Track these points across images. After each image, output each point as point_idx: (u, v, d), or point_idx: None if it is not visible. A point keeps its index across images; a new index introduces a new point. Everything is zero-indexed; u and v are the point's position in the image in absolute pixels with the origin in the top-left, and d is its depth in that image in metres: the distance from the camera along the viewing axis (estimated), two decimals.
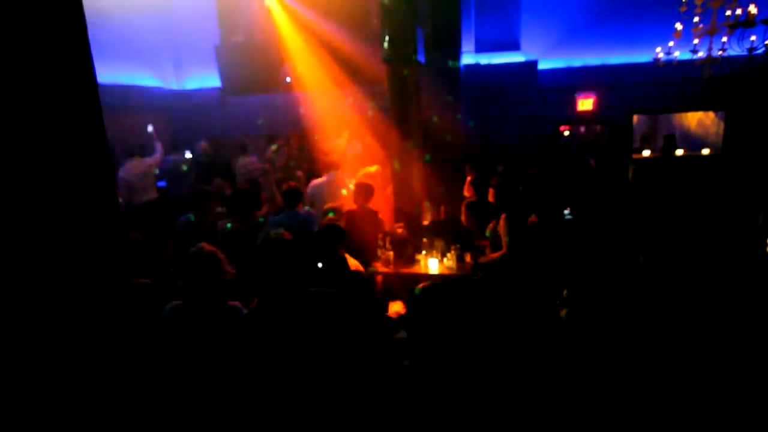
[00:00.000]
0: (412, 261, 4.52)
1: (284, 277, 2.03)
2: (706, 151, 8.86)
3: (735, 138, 8.21)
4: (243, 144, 7.40)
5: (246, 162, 6.96)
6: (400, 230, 4.62)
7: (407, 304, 1.75)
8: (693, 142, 9.49)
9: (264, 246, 2.05)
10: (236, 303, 2.44)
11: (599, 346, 2.23)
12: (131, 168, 6.50)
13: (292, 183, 4.30)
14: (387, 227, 4.70)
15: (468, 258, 4.44)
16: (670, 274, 4.12)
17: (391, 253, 4.43)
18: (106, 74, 8.23)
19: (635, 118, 9.13)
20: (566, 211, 4.89)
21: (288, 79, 9.33)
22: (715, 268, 4.16)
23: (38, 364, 1.05)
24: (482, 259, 4.42)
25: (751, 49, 4.52)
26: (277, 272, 2.02)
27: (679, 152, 8.61)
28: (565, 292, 2.52)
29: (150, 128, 6.92)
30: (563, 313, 2.64)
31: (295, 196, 4.25)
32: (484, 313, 3.41)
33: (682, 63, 6.25)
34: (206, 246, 2.43)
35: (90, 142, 1.15)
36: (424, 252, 4.52)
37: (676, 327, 3.04)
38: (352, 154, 6.75)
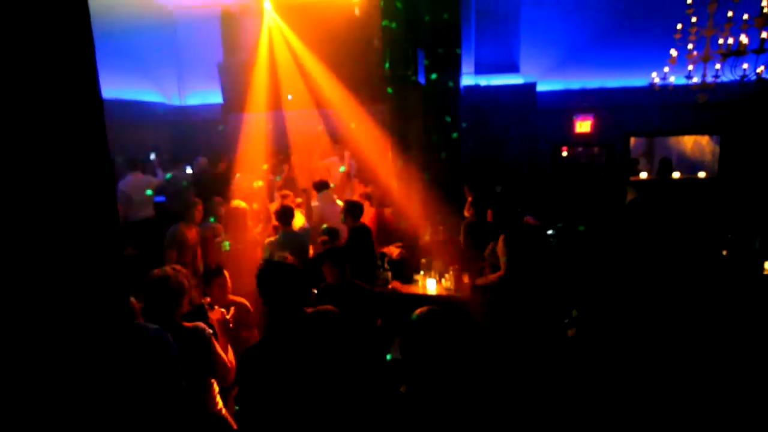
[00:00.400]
0: (410, 281, 4.53)
1: (286, 300, 2.10)
2: (702, 174, 8.94)
3: (730, 162, 8.30)
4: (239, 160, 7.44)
5: (242, 178, 6.98)
6: (398, 250, 4.64)
7: (404, 329, 1.74)
8: (689, 164, 9.58)
9: (266, 271, 2.13)
10: (198, 324, 2.46)
11: (609, 366, 2.22)
12: (132, 181, 6.55)
13: (285, 202, 4.33)
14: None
15: (466, 279, 4.44)
16: (668, 297, 4.12)
17: (389, 273, 4.44)
18: (111, 89, 8.32)
19: (632, 140, 9.24)
20: (550, 232, 4.91)
21: (289, 97, 9.43)
22: (713, 291, 4.18)
23: (31, 373, 1.05)
24: (480, 281, 4.43)
25: (743, 77, 4.62)
26: (279, 296, 2.09)
27: (676, 175, 8.69)
28: (574, 312, 2.52)
29: (152, 156, 7.00)
30: (571, 333, 2.63)
31: (288, 214, 4.26)
32: (484, 337, 3.40)
33: (677, 87, 6.35)
34: (169, 270, 2.45)
35: (92, 155, 1.17)
36: (422, 272, 4.53)
37: (678, 347, 3.05)
38: (347, 173, 6.78)
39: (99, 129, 1.18)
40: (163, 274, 2.40)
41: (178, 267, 2.53)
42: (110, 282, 1.21)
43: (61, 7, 1.10)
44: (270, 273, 2.14)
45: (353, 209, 4.54)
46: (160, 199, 7.39)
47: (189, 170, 7.92)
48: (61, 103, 1.10)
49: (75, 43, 1.16)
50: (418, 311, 1.73)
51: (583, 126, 8.99)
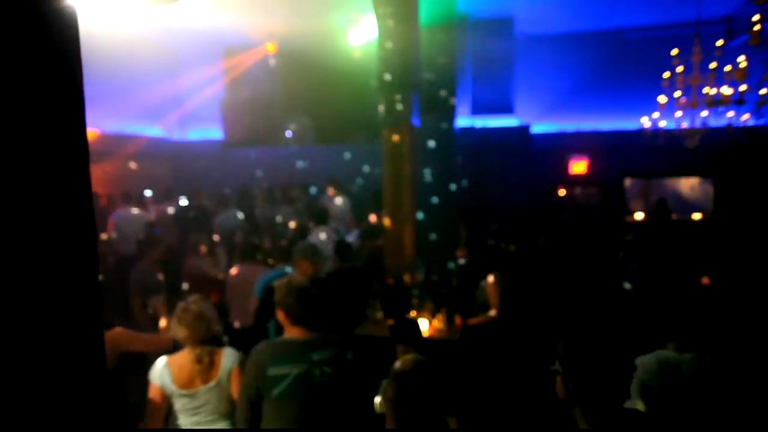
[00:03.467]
0: None
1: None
2: (697, 216, 9.00)
3: (724, 204, 8.37)
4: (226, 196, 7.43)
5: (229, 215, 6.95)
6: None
7: (389, 379, 1.69)
8: (685, 205, 9.66)
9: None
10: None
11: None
12: (125, 215, 6.60)
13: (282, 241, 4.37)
14: None
15: (458, 320, 4.39)
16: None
17: (381, 314, 4.40)
18: (113, 124, 8.48)
19: (627, 180, 9.36)
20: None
21: (288, 134, 9.60)
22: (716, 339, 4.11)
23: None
24: (472, 321, 4.38)
25: (729, 126, 4.72)
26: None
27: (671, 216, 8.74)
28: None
29: (148, 192, 7.13)
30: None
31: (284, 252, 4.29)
32: (474, 385, 3.32)
33: (669, 132, 6.48)
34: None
35: (74, 196, 1.17)
36: (413, 313, 4.48)
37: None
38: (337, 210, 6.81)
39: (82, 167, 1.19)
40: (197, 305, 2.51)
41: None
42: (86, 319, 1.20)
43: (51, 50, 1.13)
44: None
45: (343, 249, 4.57)
46: (158, 231, 7.41)
47: (184, 201, 7.97)
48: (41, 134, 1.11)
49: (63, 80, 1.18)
50: (401, 362, 1.69)
51: (579, 167, 9.11)
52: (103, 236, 6.24)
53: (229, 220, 6.71)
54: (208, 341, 2.43)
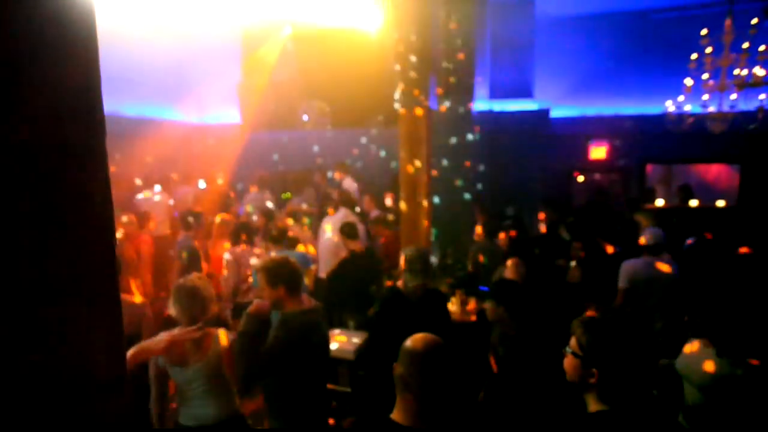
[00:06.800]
0: None
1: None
2: (721, 203, 8.74)
3: (751, 191, 8.13)
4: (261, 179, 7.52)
5: (256, 197, 7.05)
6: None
7: (401, 358, 1.68)
8: (709, 192, 9.39)
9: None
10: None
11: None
12: (148, 198, 6.71)
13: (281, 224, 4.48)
14: None
15: (472, 303, 4.38)
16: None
17: None
18: (132, 108, 8.57)
19: (649, 166, 9.14)
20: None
21: (305, 118, 9.59)
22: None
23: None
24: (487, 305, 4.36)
25: (760, 109, 4.54)
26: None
27: (694, 203, 8.50)
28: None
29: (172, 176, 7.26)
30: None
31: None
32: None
33: (695, 116, 6.28)
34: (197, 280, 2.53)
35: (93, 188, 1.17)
36: None
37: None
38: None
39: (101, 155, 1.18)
40: (192, 284, 2.49)
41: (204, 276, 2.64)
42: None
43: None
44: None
45: (348, 229, 4.57)
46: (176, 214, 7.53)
47: (203, 185, 8.07)
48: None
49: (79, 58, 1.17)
50: (412, 341, 1.66)
51: (599, 152, 8.92)
52: (124, 218, 6.35)
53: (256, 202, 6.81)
54: (204, 321, 2.44)
